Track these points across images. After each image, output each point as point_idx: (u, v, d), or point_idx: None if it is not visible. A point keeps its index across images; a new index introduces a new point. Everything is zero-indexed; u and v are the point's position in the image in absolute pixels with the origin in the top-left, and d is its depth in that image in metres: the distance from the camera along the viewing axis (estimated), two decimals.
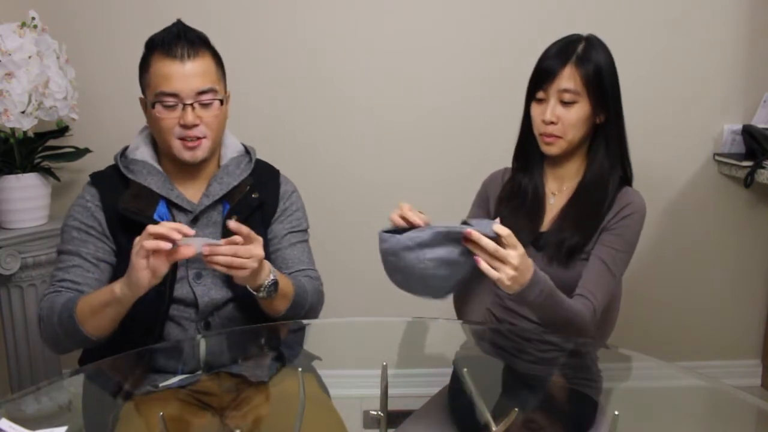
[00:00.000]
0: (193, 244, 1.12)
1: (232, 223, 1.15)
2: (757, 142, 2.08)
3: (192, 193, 1.37)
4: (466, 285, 1.54)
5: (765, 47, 2.17)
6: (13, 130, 1.78)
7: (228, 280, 1.33)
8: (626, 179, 1.40)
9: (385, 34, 2.14)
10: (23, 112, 1.72)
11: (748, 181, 2.05)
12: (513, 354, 1.44)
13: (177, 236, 1.10)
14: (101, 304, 1.18)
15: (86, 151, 1.99)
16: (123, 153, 1.40)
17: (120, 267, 1.29)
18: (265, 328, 1.36)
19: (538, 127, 1.37)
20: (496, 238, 1.08)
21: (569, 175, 1.42)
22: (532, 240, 1.38)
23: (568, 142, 1.35)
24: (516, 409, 1.08)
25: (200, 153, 1.32)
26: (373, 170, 2.21)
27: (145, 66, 1.33)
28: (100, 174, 1.39)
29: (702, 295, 2.34)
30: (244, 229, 1.15)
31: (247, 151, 1.45)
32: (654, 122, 2.17)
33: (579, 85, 1.31)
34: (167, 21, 1.34)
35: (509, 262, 1.08)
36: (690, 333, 2.35)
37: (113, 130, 2.03)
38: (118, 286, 1.16)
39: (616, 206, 1.34)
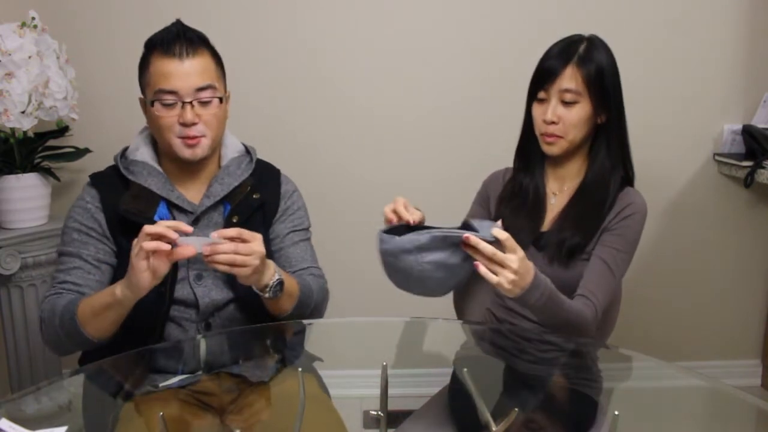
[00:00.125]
0: (192, 243, 1.12)
1: (215, 234, 1.14)
2: (757, 142, 2.08)
3: (192, 193, 1.36)
4: (466, 285, 1.54)
5: (765, 47, 2.18)
6: (13, 130, 1.78)
7: (229, 281, 1.33)
8: (627, 179, 1.40)
9: (385, 34, 2.14)
10: (23, 112, 1.72)
11: (748, 181, 2.05)
12: (513, 354, 1.44)
13: (174, 235, 1.09)
14: (102, 306, 1.18)
15: (86, 151, 1.99)
16: (123, 154, 1.39)
17: (120, 268, 1.29)
18: (266, 328, 1.35)
19: (539, 127, 1.37)
20: (495, 242, 1.08)
21: (570, 175, 1.42)
22: (532, 240, 1.38)
23: (569, 142, 1.35)
24: (516, 409, 1.08)
25: (200, 151, 1.31)
26: (373, 170, 2.21)
27: (144, 65, 1.33)
28: (99, 175, 1.38)
29: (702, 295, 2.34)
30: (229, 232, 1.15)
31: (248, 151, 1.45)
32: (654, 122, 2.17)
33: (580, 85, 1.31)
34: (167, 21, 1.34)
35: (508, 266, 1.08)
36: (690, 333, 2.35)
37: (113, 130, 2.03)
38: (118, 288, 1.16)
39: (617, 206, 1.34)
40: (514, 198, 1.44)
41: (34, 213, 1.86)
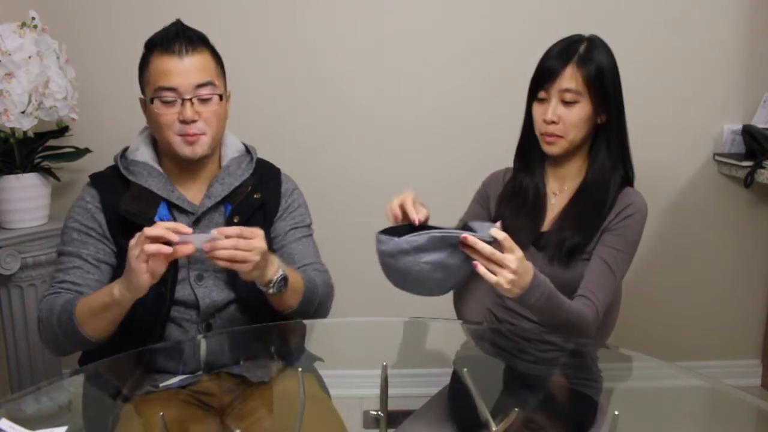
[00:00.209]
0: (192, 241, 1.12)
1: (215, 231, 1.13)
2: (757, 142, 2.08)
3: (193, 194, 1.36)
4: (466, 285, 1.54)
5: (765, 47, 2.18)
6: (13, 130, 1.78)
7: (230, 281, 1.33)
8: (627, 180, 1.40)
9: (385, 34, 2.14)
10: (23, 112, 1.72)
11: (748, 181, 2.05)
12: (513, 354, 1.44)
13: (174, 238, 1.09)
14: (100, 306, 1.18)
15: (86, 151, 1.99)
16: (123, 154, 1.39)
17: (120, 268, 1.28)
18: (266, 328, 1.35)
19: (539, 127, 1.37)
20: (494, 242, 1.09)
21: (570, 175, 1.42)
22: (533, 240, 1.38)
23: (570, 141, 1.35)
24: (516, 409, 1.08)
25: (200, 149, 1.31)
26: (373, 170, 2.21)
27: (144, 65, 1.33)
28: (99, 175, 1.38)
29: (702, 295, 2.34)
30: (229, 230, 1.14)
31: (248, 151, 1.45)
32: (654, 122, 2.17)
33: (580, 85, 1.31)
34: (167, 21, 1.34)
35: (507, 265, 1.08)
36: (690, 333, 2.35)
37: (113, 130, 2.03)
38: (116, 288, 1.15)
39: (618, 206, 1.34)
40: (514, 198, 1.44)
41: (34, 213, 1.86)
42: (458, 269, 1.10)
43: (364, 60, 2.15)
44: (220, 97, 1.33)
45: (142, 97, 1.36)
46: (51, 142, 1.94)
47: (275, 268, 1.22)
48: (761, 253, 2.32)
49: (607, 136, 1.37)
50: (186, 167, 1.35)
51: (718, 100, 2.21)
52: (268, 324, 1.35)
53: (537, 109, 1.37)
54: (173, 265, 1.28)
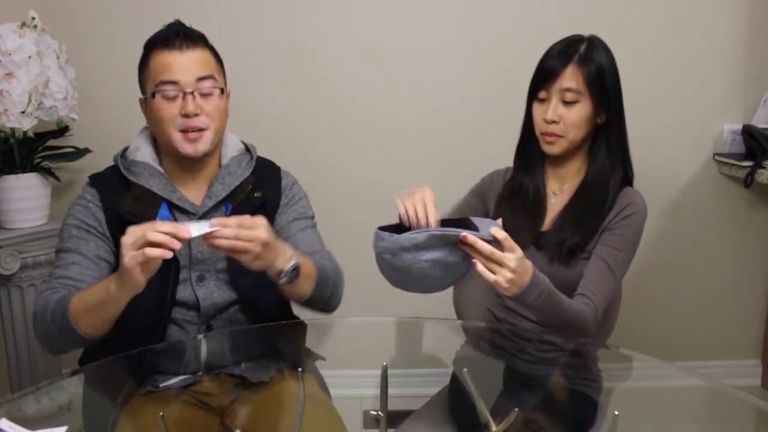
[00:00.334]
0: (189, 231, 1.07)
1: (215, 221, 1.10)
2: (757, 142, 2.08)
3: (194, 194, 1.36)
4: (466, 285, 1.54)
5: (765, 47, 2.17)
6: (13, 130, 1.78)
7: (231, 282, 1.32)
8: (627, 179, 1.40)
9: (385, 34, 2.14)
10: (23, 112, 1.72)
11: (748, 181, 2.05)
12: (513, 354, 1.45)
13: (177, 246, 1.05)
14: (96, 302, 1.14)
15: (86, 151, 1.99)
16: (123, 154, 1.38)
17: (118, 268, 1.28)
18: (267, 328, 1.35)
19: (539, 127, 1.37)
20: (494, 241, 1.09)
21: (570, 175, 1.42)
22: (533, 240, 1.38)
23: (570, 141, 1.35)
24: (516, 409, 1.08)
25: (202, 146, 1.29)
26: (373, 170, 2.21)
27: (144, 64, 1.33)
28: (99, 175, 1.37)
29: (702, 295, 2.34)
30: (230, 221, 1.11)
31: (248, 149, 1.44)
32: (654, 122, 2.17)
33: (581, 85, 1.31)
34: (167, 21, 1.34)
35: (506, 264, 1.09)
36: (690, 333, 2.35)
37: (113, 130, 2.03)
38: (113, 285, 1.11)
39: (618, 206, 1.34)
40: (514, 198, 1.44)
41: (34, 213, 1.86)
42: (458, 267, 1.10)
43: (364, 60, 2.15)
44: (222, 91, 1.32)
45: (141, 97, 1.35)
46: (51, 142, 1.94)
47: (287, 257, 1.19)
48: (761, 253, 2.32)
49: (607, 136, 1.37)
50: (187, 166, 1.34)
51: (718, 100, 2.21)
52: (269, 324, 1.35)
53: (537, 109, 1.37)
54: (175, 266, 1.28)
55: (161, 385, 1.28)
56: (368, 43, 2.14)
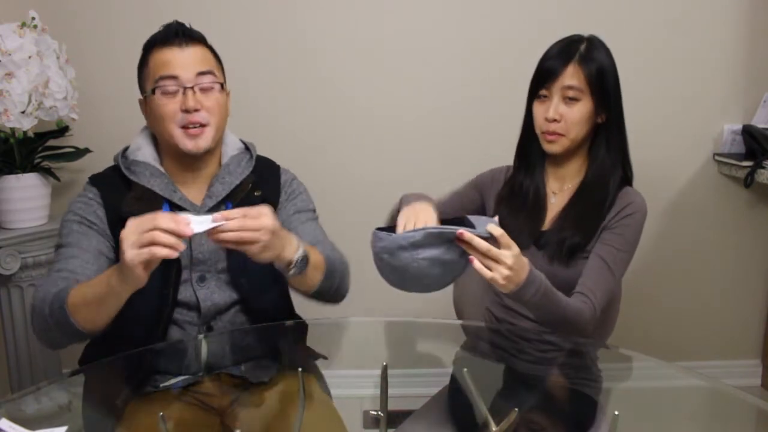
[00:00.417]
0: (192, 227, 1.03)
1: (218, 215, 1.07)
2: (757, 142, 2.08)
3: (194, 194, 1.35)
4: (465, 285, 1.54)
5: (765, 47, 2.17)
6: (13, 130, 1.78)
7: (232, 283, 1.32)
8: (626, 179, 1.40)
9: (385, 34, 2.14)
10: (23, 112, 1.72)
11: (748, 181, 2.05)
12: (513, 354, 1.45)
13: (181, 247, 1.01)
14: (96, 296, 1.10)
15: (86, 151, 1.99)
16: (123, 154, 1.37)
17: (119, 263, 1.26)
18: (267, 329, 1.35)
19: (540, 126, 1.37)
20: (490, 238, 1.09)
21: (570, 175, 1.42)
22: (533, 240, 1.38)
23: (571, 140, 1.35)
24: (516, 409, 1.08)
25: (203, 142, 1.28)
26: (373, 170, 2.21)
27: (143, 63, 1.32)
28: (99, 175, 1.37)
29: (702, 295, 2.34)
30: (233, 213, 1.08)
31: (247, 148, 1.43)
32: (654, 122, 2.17)
33: (583, 83, 1.31)
34: (167, 21, 1.34)
35: (503, 261, 1.09)
36: (690, 333, 2.35)
37: (113, 130, 2.03)
38: (114, 279, 1.07)
39: (617, 206, 1.34)
40: (513, 198, 1.44)
41: (34, 213, 1.86)
42: (455, 264, 1.11)
43: (364, 60, 2.15)
44: (222, 86, 1.31)
45: (141, 98, 1.35)
46: (51, 142, 1.94)
47: (294, 246, 1.16)
48: (761, 253, 2.32)
49: (607, 136, 1.37)
50: (188, 165, 1.33)
51: (718, 100, 2.21)
52: (269, 324, 1.35)
53: (538, 108, 1.37)
54: (177, 266, 1.28)
55: (161, 385, 1.28)
56: (368, 43, 2.14)
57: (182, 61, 1.27)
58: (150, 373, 1.29)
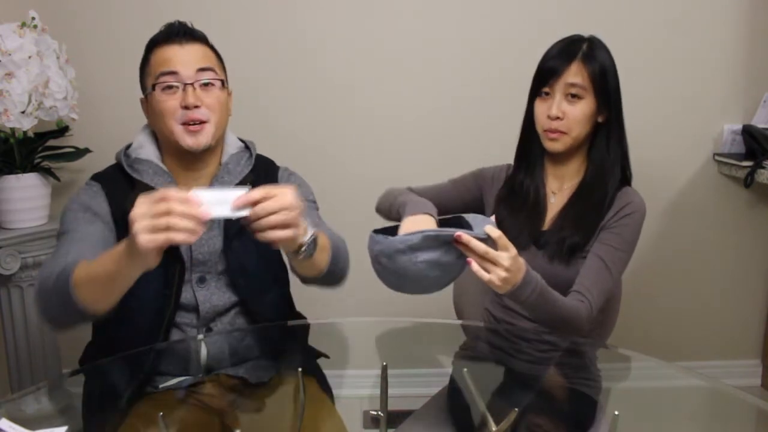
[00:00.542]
0: (209, 210, 0.95)
1: (237, 201, 0.98)
2: (757, 142, 2.08)
3: None
4: (464, 285, 1.54)
5: (765, 47, 2.17)
6: (13, 130, 1.78)
7: (232, 285, 1.31)
8: (626, 179, 1.40)
9: (386, 34, 2.14)
10: (23, 112, 1.72)
11: (748, 181, 2.05)
12: (512, 354, 1.45)
13: (200, 231, 0.94)
14: (104, 273, 1.04)
15: (86, 151, 1.99)
16: (125, 152, 1.36)
17: (129, 244, 1.20)
18: (267, 329, 1.35)
19: (542, 124, 1.37)
20: (487, 240, 1.09)
21: (570, 174, 1.42)
22: (533, 239, 1.38)
23: (573, 138, 1.35)
24: (516, 409, 1.08)
25: (203, 139, 1.27)
26: (373, 170, 2.21)
27: (145, 61, 1.32)
28: (102, 173, 1.35)
29: (702, 295, 2.34)
30: (254, 194, 1.00)
31: (247, 147, 1.43)
32: (654, 122, 2.17)
33: (586, 81, 1.32)
34: (167, 21, 1.34)
35: (500, 263, 1.09)
36: (690, 333, 2.35)
37: (113, 130, 2.03)
38: (123, 260, 1.00)
39: (616, 205, 1.34)
40: (513, 197, 1.44)
41: (34, 213, 1.86)
42: (453, 266, 1.11)
43: (364, 60, 2.15)
44: (222, 83, 1.31)
45: (142, 97, 1.35)
46: (51, 142, 1.94)
47: (304, 229, 1.11)
48: (761, 253, 2.32)
49: (607, 136, 1.38)
50: (188, 164, 1.32)
51: (718, 100, 2.21)
52: (269, 324, 1.35)
53: (540, 106, 1.37)
54: (179, 266, 1.27)
55: (161, 386, 1.28)
56: (368, 43, 2.14)
57: (183, 57, 1.27)
58: (150, 373, 1.28)
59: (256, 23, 2.11)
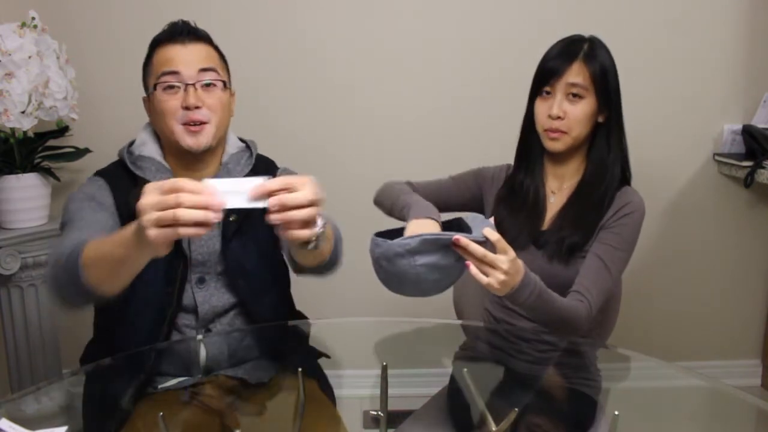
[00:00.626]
0: (221, 198, 0.89)
1: (254, 192, 0.92)
2: (757, 142, 2.08)
3: None
4: (464, 285, 1.54)
5: (765, 47, 2.17)
6: (13, 130, 1.78)
7: (231, 286, 1.31)
8: (625, 179, 1.40)
9: (385, 34, 2.14)
10: (23, 112, 1.72)
11: (748, 181, 2.05)
12: (512, 354, 1.45)
13: (212, 222, 0.88)
14: (112, 256, 1.00)
15: (86, 151, 1.99)
16: (128, 149, 1.35)
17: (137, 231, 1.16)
18: (266, 329, 1.35)
19: (543, 123, 1.37)
20: (486, 242, 1.09)
21: (569, 174, 1.42)
22: (532, 239, 1.38)
23: (573, 138, 1.35)
24: (515, 410, 1.08)
25: (204, 139, 1.27)
26: (373, 170, 2.20)
27: (148, 61, 1.32)
28: (104, 170, 1.35)
29: (702, 295, 2.34)
30: (272, 184, 0.93)
31: (248, 147, 1.42)
32: (654, 122, 2.17)
33: (587, 81, 1.32)
34: (167, 21, 1.34)
35: (499, 266, 1.09)
36: (690, 333, 2.35)
37: (113, 130, 2.03)
38: (132, 246, 0.95)
39: (616, 205, 1.34)
40: (513, 197, 1.44)
41: (34, 213, 1.86)
42: (452, 269, 1.11)
43: (364, 60, 2.15)
44: (224, 84, 1.30)
45: (144, 96, 1.35)
46: (51, 142, 1.94)
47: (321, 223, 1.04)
48: (761, 253, 2.32)
49: (607, 136, 1.38)
50: (189, 164, 1.32)
51: (718, 100, 2.21)
52: (268, 324, 1.34)
53: (541, 105, 1.37)
54: (182, 265, 1.26)
55: (160, 386, 1.28)
56: (368, 43, 2.14)
57: (185, 57, 1.27)
58: (150, 374, 1.28)
59: (256, 23, 2.11)
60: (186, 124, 1.26)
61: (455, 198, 1.50)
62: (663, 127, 2.20)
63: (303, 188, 0.94)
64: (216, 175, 1.34)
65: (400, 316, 1.50)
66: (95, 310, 1.36)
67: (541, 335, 1.34)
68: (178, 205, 0.86)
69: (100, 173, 1.34)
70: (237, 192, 0.91)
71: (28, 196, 1.84)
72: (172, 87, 1.26)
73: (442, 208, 1.35)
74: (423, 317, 1.57)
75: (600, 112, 1.36)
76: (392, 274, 1.10)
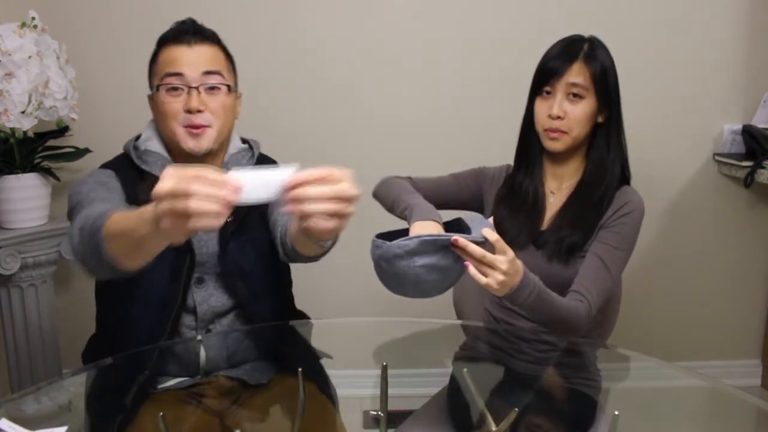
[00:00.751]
0: (244, 184, 0.83)
1: (281, 180, 0.89)
2: (757, 142, 2.08)
3: None
4: (464, 285, 1.54)
5: (765, 47, 2.17)
6: (13, 130, 1.78)
7: (230, 287, 1.30)
8: (624, 179, 1.40)
9: (385, 34, 2.14)
10: (23, 112, 1.72)
11: (748, 181, 2.05)
12: (512, 354, 1.45)
13: (224, 214, 0.83)
14: (132, 232, 0.95)
15: (86, 151, 1.99)
16: (134, 144, 1.34)
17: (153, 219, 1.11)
18: (266, 329, 1.35)
19: (543, 123, 1.37)
20: (485, 243, 1.09)
21: (569, 174, 1.42)
22: (532, 239, 1.38)
23: (573, 138, 1.35)
24: (516, 410, 1.08)
25: (205, 142, 1.26)
26: (373, 170, 2.19)
27: (154, 59, 1.31)
28: (110, 162, 1.34)
29: (702, 295, 2.34)
30: (309, 176, 0.90)
31: (250, 147, 1.42)
32: (654, 122, 2.17)
33: (588, 81, 1.32)
34: (167, 21, 1.33)
35: (498, 267, 1.09)
36: (690, 333, 2.35)
37: (113, 130, 2.02)
38: (150, 231, 0.90)
39: (615, 204, 1.34)
40: (513, 197, 1.44)
41: (34, 213, 1.86)
42: (452, 270, 1.11)
43: (364, 60, 2.15)
44: (229, 88, 1.29)
45: (149, 94, 1.34)
46: (51, 142, 1.94)
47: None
48: (761, 253, 2.32)
49: (606, 136, 1.38)
50: (191, 162, 1.30)
51: (718, 100, 2.21)
52: (268, 324, 1.34)
53: (541, 105, 1.37)
54: (188, 264, 1.26)
55: (160, 387, 1.28)
56: (368, 43, 2.14)
57: (190, 59, 1.26)
58: (150, 374, 1.28)
59: (256, 23, 2.11)
60: (187, 126, 1.25)
61: (455, 196, 1.50)
62: (663, 127, 2.20)
63: (345, 180, 0.92)
64: None
65: (400, 316, 1.50)
66: (97, 304, 1.36)
67: (541, 335, 1.34)
68: (191, 195, 0.80)
69: (107, 165, 1.32)
70: (265, 184, 0.86)
71: (28, 196, 1.84)
72: (175, 89, 1.25)
73: (442, 206, 1.35)
74: (423, 317, 1.57)
75: (600, 112, 1.36)
76: (392, 275, 1.10)
